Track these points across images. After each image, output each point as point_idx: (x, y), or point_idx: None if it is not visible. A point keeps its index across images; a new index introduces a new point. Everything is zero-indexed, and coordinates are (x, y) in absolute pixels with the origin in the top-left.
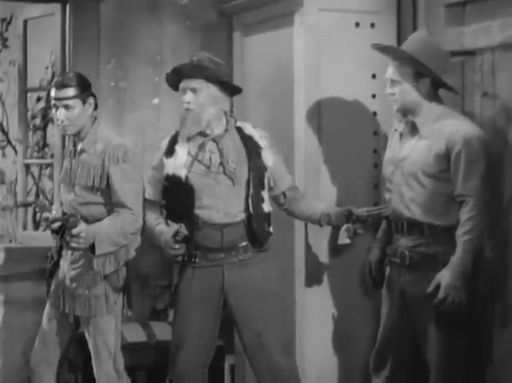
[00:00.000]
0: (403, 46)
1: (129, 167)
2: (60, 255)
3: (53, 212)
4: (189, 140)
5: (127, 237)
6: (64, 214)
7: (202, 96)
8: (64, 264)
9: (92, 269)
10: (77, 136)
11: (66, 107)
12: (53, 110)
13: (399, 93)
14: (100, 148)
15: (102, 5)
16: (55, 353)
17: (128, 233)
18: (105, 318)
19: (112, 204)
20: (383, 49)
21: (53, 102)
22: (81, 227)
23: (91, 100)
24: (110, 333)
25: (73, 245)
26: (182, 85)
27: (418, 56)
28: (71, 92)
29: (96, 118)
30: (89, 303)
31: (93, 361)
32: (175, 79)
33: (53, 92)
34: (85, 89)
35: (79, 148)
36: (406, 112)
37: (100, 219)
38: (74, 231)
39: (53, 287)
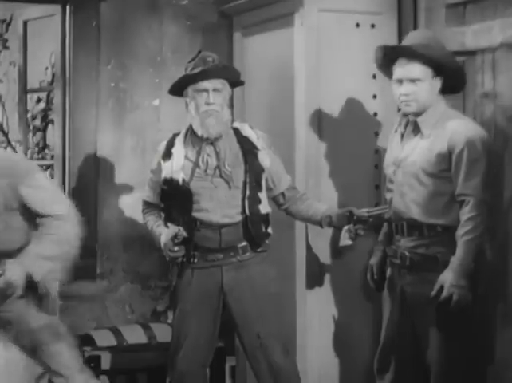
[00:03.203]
0: (413, 46)
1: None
2: None
3: None
4: (208, 140)
5: (68, 242)
6: None
7: (222, 97)
8: None
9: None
10: None
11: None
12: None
13: (420, 92)
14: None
15: (102, 5)
16: None
17: (66, 238)
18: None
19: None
20: (401, 49)
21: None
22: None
23: None
24: None
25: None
26: (206, 85)
27: (438, 54)
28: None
29: None
30: None
31: None
32: (188, 82)
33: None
34: None
35: None
36: (420, 112)
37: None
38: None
39: None
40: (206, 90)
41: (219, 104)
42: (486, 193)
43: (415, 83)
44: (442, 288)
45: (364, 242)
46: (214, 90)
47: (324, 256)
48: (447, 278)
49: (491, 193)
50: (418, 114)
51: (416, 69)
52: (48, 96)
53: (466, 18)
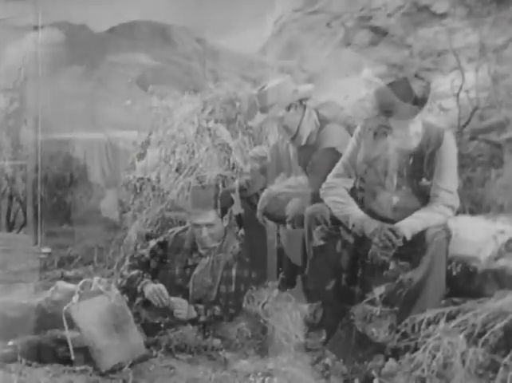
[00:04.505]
0: (378, 48)
1: None
2: None
3: None
4: (162, 142)
5: None
6: None
7: (173, 100)
8: None
9: None
10: None
11: None
12: None
13: (376, 94)
14: None
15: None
16: None
17: None
18: None
19: None
20: (360, 51)
21: None
22: None
23: None
24: None
25: None
26: (152, 87)
27: (394, 58)
28: None
29: None
30: None
31: None
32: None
33: None
34: None
35: None
36: (381, 112)
37: None
38: None
39: None
40: (153, 92)
41: (166, 108)
42: (459, 193)
43: (371, 83)
44: (410, 281)
45: (336, 242)
46: (159, 94)
47: (296, 257)
48: (417, 273)
49: (464, 195)
50: (380, 112)
51: (368, 71)
52: (21, 96)
53: (439, 19)
